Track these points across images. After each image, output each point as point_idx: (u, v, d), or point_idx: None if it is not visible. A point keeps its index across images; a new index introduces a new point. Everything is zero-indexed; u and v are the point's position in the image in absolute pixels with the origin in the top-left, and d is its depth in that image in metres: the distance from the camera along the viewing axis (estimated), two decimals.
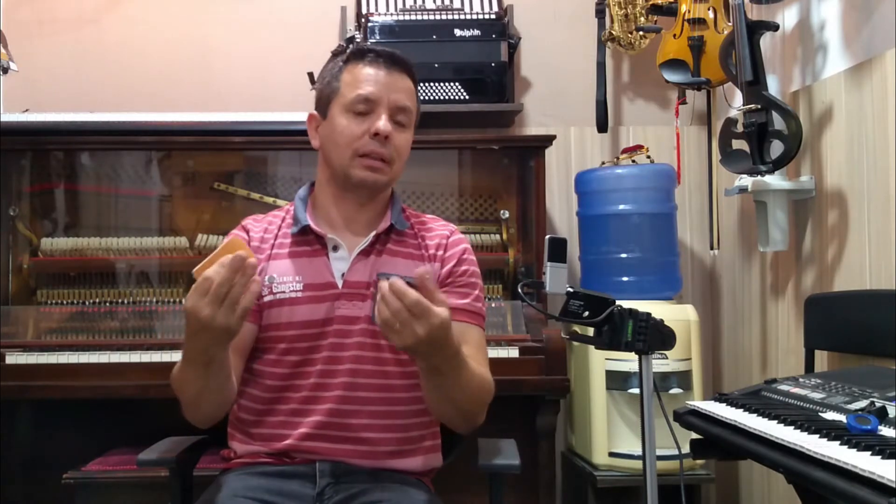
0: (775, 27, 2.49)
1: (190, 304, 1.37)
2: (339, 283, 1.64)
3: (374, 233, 1.67)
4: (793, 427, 1.51)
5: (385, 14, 2.93)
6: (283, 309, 1.63)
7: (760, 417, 1.62)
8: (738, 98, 2.54)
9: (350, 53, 1.69)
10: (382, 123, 1.61)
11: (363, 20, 2.90)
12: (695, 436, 1.81)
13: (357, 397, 1.61)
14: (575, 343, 2.65)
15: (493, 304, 2.67)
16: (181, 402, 1.57)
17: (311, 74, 2.78)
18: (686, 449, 1.80)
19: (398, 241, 1.70)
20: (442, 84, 2.85)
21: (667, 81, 2.73)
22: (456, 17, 2.92)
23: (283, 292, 1.63)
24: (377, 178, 1.64)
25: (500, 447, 1.72)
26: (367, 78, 1.64)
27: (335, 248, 1.67)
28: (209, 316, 1.36)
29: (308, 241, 1.68)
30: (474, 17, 2.93)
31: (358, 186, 1.65)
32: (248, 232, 1.72)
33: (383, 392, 1.62)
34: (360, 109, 1.63)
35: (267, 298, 1.64)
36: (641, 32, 2.92)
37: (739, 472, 2.96)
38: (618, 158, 2.88)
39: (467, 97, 2.85)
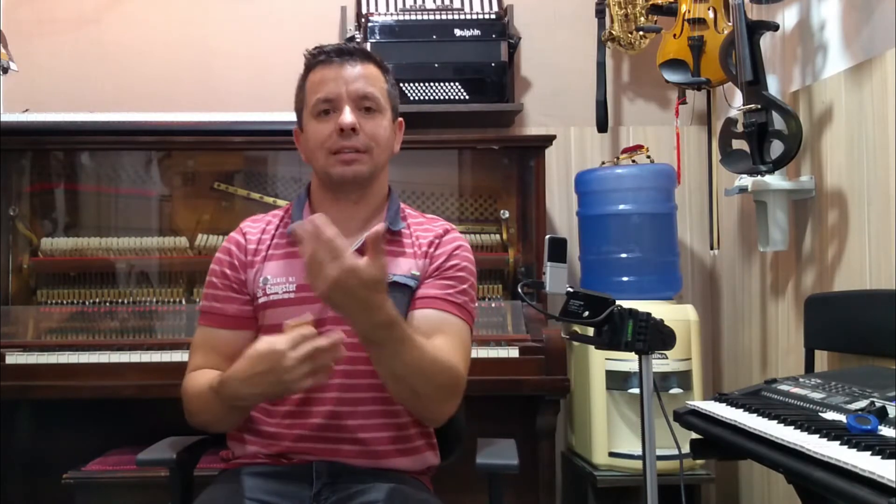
0: (775, 27, 2.49)
1: (282, 345, 1.37)
2: None
3: (366, 234, 1.66)
4: (793, 427, 1.51)
5: (385, 14, 2.93)
6: (277, 310, 1.62)
7: (760, 417, 1.62)
8: (738, 98, 2.54)
9: (307, 61, 1.71)
10: (343, 117, 1.62)
11: (363, 20, 2.90)
12: (695, 436, 1.81)
13: (353, 398, 1.60)
14: (575, 343, 2.65)
15: (493, 304, 2.67)
16: (186, 412, 1.59)
17: None
18: (686, 449, 1.80)
19: (393, 240, 1.69)
20: (442, 84, 2.85)
21: (667, 81, 2.73)
22: (456, 17, 2.92)
23: (276, 293, 1.63)
24: (355, 170, 1.64)
25: (500, 447, 1.72)
26: (324, 79, 1.66)
27: None
28: (288, 367, 1.37)
29: None
30: (474, 17, 2.93)
31: (341, 184, 1.65)
32: (244, 236, 1.71)
33: (378, 392, 1.61)
34: (324, 110, 1.65)
35: (261, 300, 1.64)
36: (641, 32, 2.91)
37: (739, 472, 2.96)
38: (618, 158, 2.88)
39: (467, 97, 2.85)
